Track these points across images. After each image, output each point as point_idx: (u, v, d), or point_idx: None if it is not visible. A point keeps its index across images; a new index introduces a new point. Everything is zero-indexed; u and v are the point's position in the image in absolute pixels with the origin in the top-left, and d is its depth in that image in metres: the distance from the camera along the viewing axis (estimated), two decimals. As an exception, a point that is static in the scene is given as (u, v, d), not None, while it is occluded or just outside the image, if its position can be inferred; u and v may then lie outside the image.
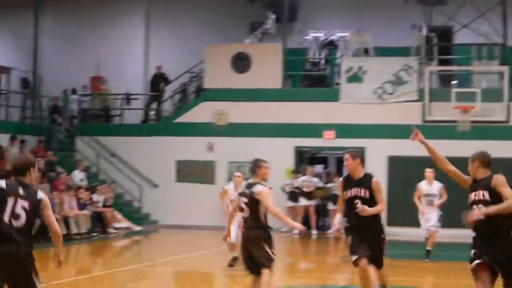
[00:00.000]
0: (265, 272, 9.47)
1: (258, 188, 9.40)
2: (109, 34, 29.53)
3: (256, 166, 9.83)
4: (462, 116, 22.51)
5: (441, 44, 26.19)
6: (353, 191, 9.48)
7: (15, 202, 6.54)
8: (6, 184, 6.73)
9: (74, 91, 28.90)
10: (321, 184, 24.61)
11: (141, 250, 23.78)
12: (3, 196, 6.60)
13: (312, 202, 23.72)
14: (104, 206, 23.89)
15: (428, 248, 16.05)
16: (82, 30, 29.52)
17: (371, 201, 9.14)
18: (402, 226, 22.93)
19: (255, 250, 9.50)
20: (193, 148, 26.21)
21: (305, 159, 26.58)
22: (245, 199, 9.55)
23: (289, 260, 18.48)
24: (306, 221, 23.37)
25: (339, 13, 28.73)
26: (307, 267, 18.56)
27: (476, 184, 8.01)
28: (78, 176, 24.98)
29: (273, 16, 27.08)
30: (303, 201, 23.33)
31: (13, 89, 29.16)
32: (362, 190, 9.20)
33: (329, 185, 24.95)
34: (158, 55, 29.31)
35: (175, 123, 27.21)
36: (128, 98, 29.03)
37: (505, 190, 7.60)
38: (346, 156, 9.81)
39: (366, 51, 26.16)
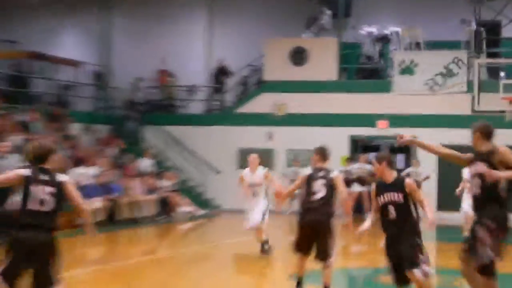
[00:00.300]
0: (331, 261, 9.77)
1: (335, 173, 9.80)
2: (173, 30, 30.15)
3: (327, 153, 10.16)
4: (509, 107, 22.63)
5: (489, 38, 26.08)
6: (387, 197, 8.77)
7: (39, 188, 7.10)
8: (30, 172, 7.32)
9: (140, 79, 29.70)
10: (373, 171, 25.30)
11: (204, 232, 24.20)
12: (27, 184, 7.16)
13: (365, 188, 23.57)
14: (170, 191, 24.61)
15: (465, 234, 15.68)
16: (148, 27, 30.31)
17: (405, 205, 8.29)
18: (453, 211, 22.19)
19: (321, 238, 9.73)
20: (253, 137, 26.74)
21: (359, 147, 27.02)
22: (324, 181, 9.68)
23: (342, 242, 17.85)
24: (358, 206, 23.86)
25: (391, 8, 28.71)
26: (360, 250, 18.67)
27: (477, 157, 8.30)
28: (145, 163, 25.77)
29: (329, 12, 27.52)
30: (356, 187, 23.56)
31: (85, 82, 30.19)
32: (396, 195, 8.37)
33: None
34: (220, 49, 29.89)
35: (237, 113, 27.96)
36: (192, 90, 29.80)
37: None
38: (372, 161, 10.06)
39: (417, 45, 26.38)
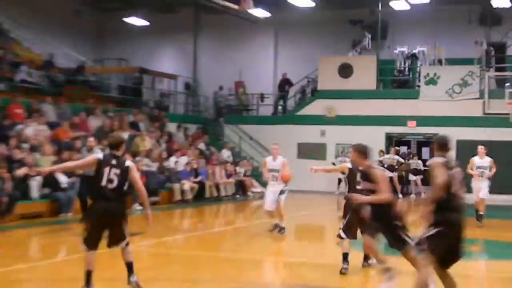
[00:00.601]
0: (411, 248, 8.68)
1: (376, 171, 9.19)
2: (247, 50, 32.28)
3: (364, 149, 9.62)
4: None
5: (497, 56, 27.45)
6: (362, 184, 9.10)
7: (110, 170, 7.91)
8: (103, 156, 8.25)
9: (221, 88, 31.78)
10: (402, 160, 25.94)
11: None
12: (100, 166, 8.00)
13: (395, 174, 24.68)
14: (245, 175, 26.34)
15: (480, 213, 16.05)
16: (228, 47, 32.35)
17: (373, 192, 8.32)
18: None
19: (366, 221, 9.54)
20: (309, 134, 28.65)
21: (393, 142, 27.96)
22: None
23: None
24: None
25: (419, 32, 29.44)
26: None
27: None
28: (225, 154, 27.53)
29: (369, 35, 29.17)
30: (387, 173, 21.92)
31: (179, 91, 32.72)
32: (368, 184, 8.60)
33: (410, 161, 26.64)
34: (284, 65, 31.88)
35: (296, 115, 29.66)
36: (262, 96, 31.53)
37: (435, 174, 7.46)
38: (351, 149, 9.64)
39: (439, 61, 27.86)
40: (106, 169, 7.78)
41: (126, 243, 7.94)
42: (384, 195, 8.24)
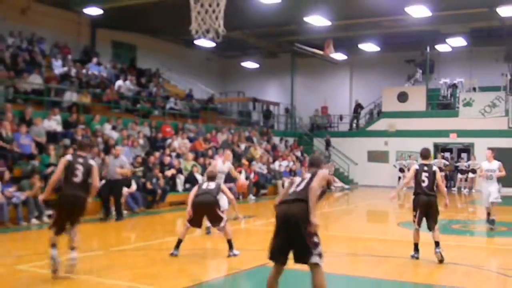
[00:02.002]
0: (437, 228, 8.94)
1: (435, 167, 9.20)
2: (330, 82, 32.26)
3: (429, 153, 9.74)
4: None
5: None
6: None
7: (77, 167, 7.50)
8: (71, 157, 7.74)
9: (316, 111, 32.28)
10: (447, 163, 25.60)
11: (349, 198, 24.89)
12: (70, 165, 7.57)
13: (442, 173, 21.04)
14: (328, 174, 27.95)
15: (492, 218, 13.10)
16: (316, 81, 32.53)
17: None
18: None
19: (431, 211, 9.06)
20: (376, 144, 28.95)
21: (439, 149, 27.64)
22: (426, 174, 9.06)
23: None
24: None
25: (458, 67, 28.87)
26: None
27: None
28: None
29: (420, 71, 29.18)
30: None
31: (281, 114, 33.37)
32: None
33: (457, 163, 26.39)
34: (357, 94, 32.14)
35: (366, 130, 30.04)
36: (341, 117, 31.99)
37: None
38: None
39: (474, 89, 27.82)
40: (75, 166, 7.53)
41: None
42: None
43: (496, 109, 26.11)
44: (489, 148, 13.51)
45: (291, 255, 5.56)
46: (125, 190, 15.33)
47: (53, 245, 7.26)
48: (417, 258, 9.24)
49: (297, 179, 6.01)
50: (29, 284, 7.29)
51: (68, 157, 7.89)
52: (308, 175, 5.88)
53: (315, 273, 5.45)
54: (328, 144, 29.84)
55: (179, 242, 9.12)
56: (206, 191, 9.18)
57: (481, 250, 10.95)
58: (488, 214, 13.16)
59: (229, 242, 9.18)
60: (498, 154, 23.07)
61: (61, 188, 7.90)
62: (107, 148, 17.00)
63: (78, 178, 7.50)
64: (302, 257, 5.51)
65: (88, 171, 7.60)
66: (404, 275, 8.48)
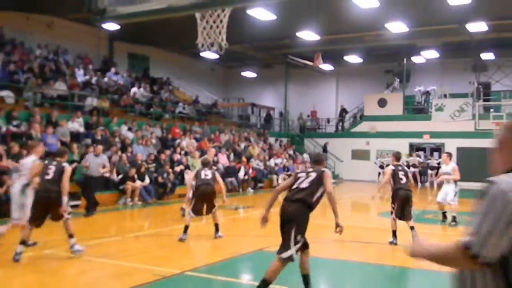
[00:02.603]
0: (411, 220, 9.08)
1: (406, 168, 9.64)
2: (319, 90, 32.31)
3: (401, 156, 10.08)
4: (495, 127, 22.59)
5: (484, 91, 26.92)
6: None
7: (50, 168, 7.61)
8: (47, 161, 7.98)
9: (300, 115, 32.14)
10: (421, 160, 25.79)
11: (335, 191, 26.39)
12: (46, 166, 7.76)
13: (416, 169, 24.34)
14: None
15: (453, 214, 11.93)
16: (306, 89, 32.53)
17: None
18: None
19: (408, 204, 9.16)
20: (359, 143, 28.84)
21: (414, 148, 27.60)
22: (403, 172, 9.25)
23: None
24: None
25: (431, 77, 28.90)
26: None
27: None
28: (305, 156, 27.88)
29: (398, 80, 29.38)
30: (411, 169, 22.92)
31: (275, 117, 33.32)
32: None
33: (426, 161, 26.10)
34: (342, 99, 32.12)
35: (350, 131, 29.90)
36: (328, 120, 32.05)
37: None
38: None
39: (445, 95, 27.76)
40: (50, 168, 7.70)
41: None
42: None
43: (464, 114, 26.06)
44: (446, 152, 13.02)
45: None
46: (138, 183, 15.48)
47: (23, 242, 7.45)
48: (395, 244, 9.23)
49: (302, 175, 5.71)
50: (54, 266, 7.35)
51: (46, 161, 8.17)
52: (314, 174, 5.63)
53: (280, 265, 5.28)
54: (324, 149, 29.60)
55: (186, 228, 9.14)
56: (205, 181, 9.23)
57: (450, 237, 10.99)
58: (443, 213, 12.39)
59: (216, 225, 9.45)
60: (466, 153, 25.08)
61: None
62: (124, 147, 17.18)
63: (49, 176, 7.65)
64: (280, 248, 5.35)
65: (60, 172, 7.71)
66: (383, 258, 8.51)
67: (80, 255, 7.66)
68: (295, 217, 5.36)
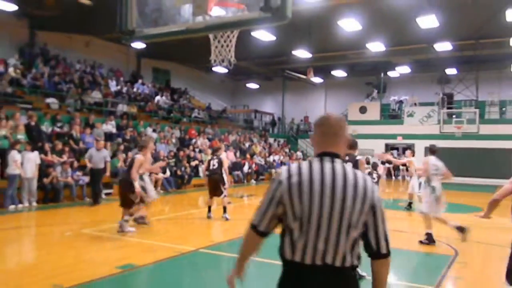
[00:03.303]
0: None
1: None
2: (310, 99, 32.11)
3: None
4: (457, 130, 23.26)
5: (448, 100, 26.42)
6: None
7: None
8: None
9: (292, 120, 31.81)
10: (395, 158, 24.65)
11: None
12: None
13: (391, 165, 24.31)
14: None
15: (410, 201, 11.95)
16: (300, 97, 32.19)
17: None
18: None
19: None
20: None
21: (389, 148, 27.05)
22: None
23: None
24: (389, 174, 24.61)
25: (403, 88, 28.78)
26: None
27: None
28: (299, 154, 26.88)
29: (376, 91, 28.92)
30: (387, 165, 23.26)
31: (273, 122, 32.63)
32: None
33: (399, 158, 26.34)
34: (329, 107, 31.43)
35: None
36: None
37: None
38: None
39: (415, 104, 27.33)
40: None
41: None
42: None
43: (431, 119, 25.75)
44: (410, 149, 12.68)
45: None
46: (161, 175, 15.51)
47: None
48: None
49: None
50: (89, 243, 7.37)
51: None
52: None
53: None
54: None
55: (209, 207, 9.41)
56: (213, 171, 9.25)
57: (420, 222, 10.97)
58: (410, 202, 12.08)
59: (224, 208, 9.56)
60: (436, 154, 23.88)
61: None
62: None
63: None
64: None
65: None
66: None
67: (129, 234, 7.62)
68: None
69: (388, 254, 2.03)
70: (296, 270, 1.97)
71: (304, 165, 2.03)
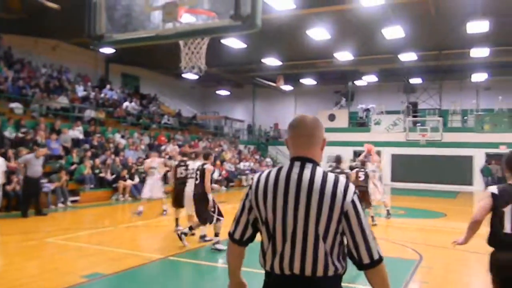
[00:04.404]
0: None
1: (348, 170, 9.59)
2: (280, 106, 31.91)
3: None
4: (422, 138, 23.52)
5: (413, 109, 27.15)
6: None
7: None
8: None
9: (259, 127, 31.81)
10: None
11: None
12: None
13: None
14: None
15: (387, 209, 11.50)
16: (270, 105, 32.17)
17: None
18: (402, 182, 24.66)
19: (365, 197, 9.45)
20: None
21: (357, 155, 25.06)
22: (363, 173, 9.58)
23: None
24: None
25: (371, 97, 29.10)
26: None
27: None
28: (268, 161, 27.47)
29: (344, 99, 29.37)
30: (354, 171, 24.41)
31: (244, 128, 32.76)
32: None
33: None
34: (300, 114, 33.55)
35: None
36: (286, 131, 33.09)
37: None
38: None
39: (382, 112, 27.41)
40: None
41: None
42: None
43: (397, 127, 25.99)
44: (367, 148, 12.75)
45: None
46: (129, 182, 15.36)
47: None
48: None
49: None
50: (54, 253, 7.20)
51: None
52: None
53: None
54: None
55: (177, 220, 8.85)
56: (180, 180, 8.79)
57: (386, 227, 10.83)
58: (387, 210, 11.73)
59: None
60: (398, 158, 25.17)
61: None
62: (117, 151, 16.99)
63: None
64: None
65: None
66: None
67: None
68: None
69: (373, 263, 1.87)
70: (268, 279, 1.93)
71: (273, 171, 1.97)
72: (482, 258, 7.77)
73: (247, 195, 2.00)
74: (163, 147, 20.35)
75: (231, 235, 2.08)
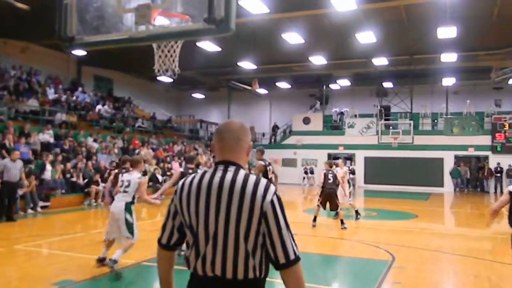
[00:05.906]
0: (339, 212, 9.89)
1: (335, 172, 10.03)
2: (255, 110, 32.07)
3: (332, 164, 10.23)
4: (394, 141, 23.46)
5: (385, 112, 26.97)
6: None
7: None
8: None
9: None
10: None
11: None
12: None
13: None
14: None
15: (355, 209, 11.65)
16: (246, 109, 31.97)
17: None
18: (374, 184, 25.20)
19: (332, 199, 9.78)
20: (288, 153, 28.42)
21: (331, 157, 25.67)
22: (331, 175, 9.85)
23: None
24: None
25: (345, 101, 29.52)
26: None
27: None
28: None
29: (319, 102, 29.43)
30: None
31: None
32: None
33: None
34: (274, 118, 31.77)
35: (281, 143, 29.36)
36: (263, 134, 31.09)
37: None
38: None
39: (355, 115, 27.58)
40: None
41: None
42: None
43: (370, 130, 25.97)
44: (342, 158, 12.86)
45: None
46: (101, 186, 15.00)
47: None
48: (314, 226, 9.98)
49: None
50: (23, 260, 7.01)
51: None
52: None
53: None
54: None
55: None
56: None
57: (360, 229, 10.95)
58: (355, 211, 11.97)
59: None
60: (371, 161, 25.51)
61: None
62: (90, 155, 16.71)
63: None
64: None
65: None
66: (308, 247, 8.43)
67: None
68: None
69: (289, 263, 1.85)
70: (192, 280, 1.97)
71: (197, 175, 1.99)
72: (452, 258, 7.84)
73: (172, 200, 2.02)
74: (137, 151, 20.19)
75: (159, 240, 2.10)
